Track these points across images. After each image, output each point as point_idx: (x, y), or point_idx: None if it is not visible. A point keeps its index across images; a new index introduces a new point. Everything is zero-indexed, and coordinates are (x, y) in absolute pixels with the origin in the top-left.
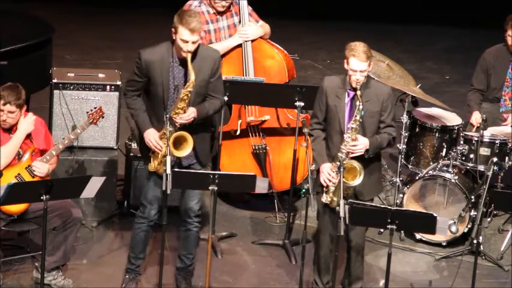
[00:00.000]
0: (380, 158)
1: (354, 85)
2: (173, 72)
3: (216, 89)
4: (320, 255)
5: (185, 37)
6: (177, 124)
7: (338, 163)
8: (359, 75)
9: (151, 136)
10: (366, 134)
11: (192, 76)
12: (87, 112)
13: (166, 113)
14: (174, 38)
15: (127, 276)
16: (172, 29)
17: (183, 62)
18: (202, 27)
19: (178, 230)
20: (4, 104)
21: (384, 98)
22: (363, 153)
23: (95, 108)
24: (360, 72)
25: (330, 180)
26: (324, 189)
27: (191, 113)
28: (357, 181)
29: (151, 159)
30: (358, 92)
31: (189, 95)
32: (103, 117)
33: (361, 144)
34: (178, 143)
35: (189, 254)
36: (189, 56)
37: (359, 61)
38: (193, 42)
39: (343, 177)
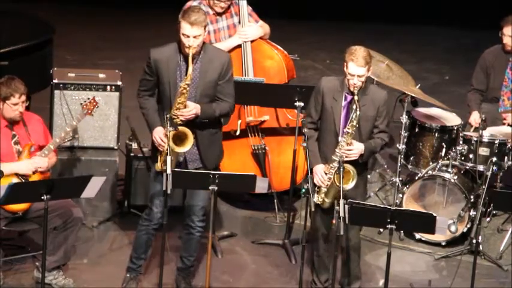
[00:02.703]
0: (366, 164)
1: (351, 89)
2: (180, 70)
3: (224, 92)
4: (316, 254)
5: (186, 31)
6: (178, 120)
7: (332, 165)
8: (356, 80)
9: (157, 133)
10: (360, 137)
11: (189, 69)
12: (81, 104)
13: (166, 113)
14: (179, 35)
15: (128, 275)
16: (177, 26)
17: (188, 60)
18: None
19: (179, 230)
20: (20, 96)
21: (379, 103)
22: (357, 157)
23: (88, 99)
24: (358, 77)
25: (322, 182)
26: (316, 189)
27: (192, 109)
28: (350, 185)
29: (159, 158)
30: (356, 97)
31: (187, 88)
32: (97, 107)
33: (356, 149)
34: (179, 139)
35: (190, 256)
36: (191, 52)
37: (357, 66)
38: (195, 37)
39: (336, 180)
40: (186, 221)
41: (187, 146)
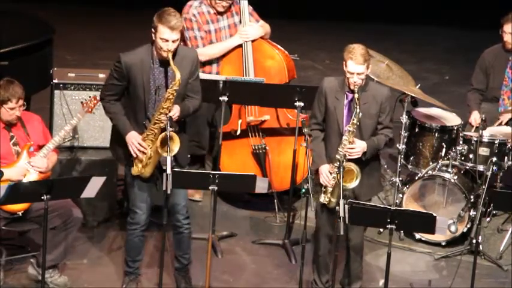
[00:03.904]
0: (379, 159)
1: (351, 87)
2: (154, 73)
3: (194, 90)
4: (318, 254)
5: (165, 36)
6: (162, 125)
7: (336, 164)
8: (356, 78)
9: (134, 138)
10: (363, 135)
11: (177, 75)
12: (81, 102)
13: (167, 115)
14: (154, 38)
15: (126, 278)
16: (152, 29)
17: (163, 63)
18: (203, 28)
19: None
20: (17, 101)
21: (382, 99)
22: (360, 155)
23: (90, 97)
24: (357, 75)
25: (328, 182)
26: (322, 189)
27: (176, 112)
28: (354, 184)
29: (134, 162)
30: (356, 95)
31: (175, 94)
32: (99, 104)
33: (359, 147)
34: (164, 143)
35: (184, 254)
36: (170, 55)
37: (356, 64)
38: (174, 41)
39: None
40: (173, 221)
41: (175, 149)
